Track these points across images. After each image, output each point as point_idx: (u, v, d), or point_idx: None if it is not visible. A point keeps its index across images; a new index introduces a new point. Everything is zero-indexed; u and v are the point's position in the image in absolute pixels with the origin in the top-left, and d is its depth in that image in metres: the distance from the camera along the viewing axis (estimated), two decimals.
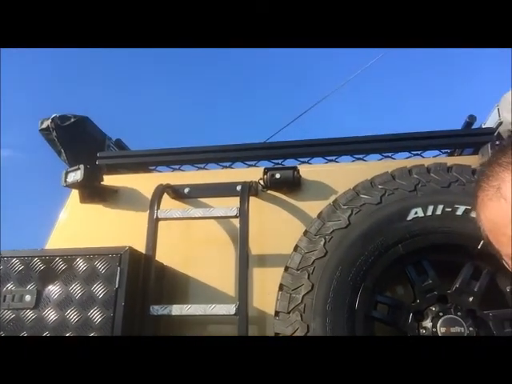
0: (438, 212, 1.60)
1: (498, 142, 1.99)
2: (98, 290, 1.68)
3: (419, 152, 2.22)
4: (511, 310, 1.58)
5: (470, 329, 1.51)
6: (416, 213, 1.61)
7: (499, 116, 2.12)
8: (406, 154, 2.26)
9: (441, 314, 1.56)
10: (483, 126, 2.24)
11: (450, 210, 1.59)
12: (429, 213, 1.60)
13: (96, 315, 1.65)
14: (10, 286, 1.74)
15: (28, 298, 1.71)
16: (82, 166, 2.07)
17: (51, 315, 1.68)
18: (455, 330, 1.52)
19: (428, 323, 1.55)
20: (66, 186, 2.10)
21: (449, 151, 2.36)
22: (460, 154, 2.31)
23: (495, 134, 2.05)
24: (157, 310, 1.72)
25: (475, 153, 2.07)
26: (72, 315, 1.67)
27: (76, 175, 2.07)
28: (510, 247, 0.72)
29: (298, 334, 1.51)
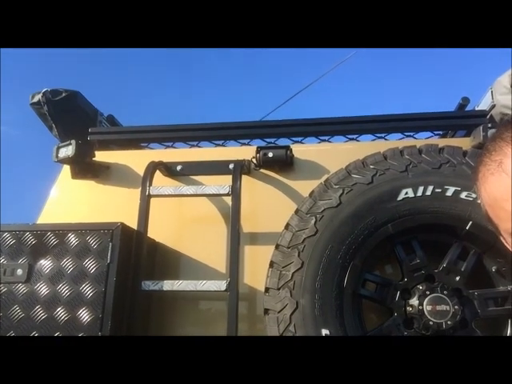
0: (428, 193, 1.62)
1: (490, 125, 2.00)
2: (90, 265, 1.69)
3: (412, 133, 2.23)
4: (496, 289, 1.62)
5: (456, 307, 1.55)
6: (406, 193, 1.62)
7: (492, 99, 2.12)
8: (399, 135, 2.27)
9: (427, 292, 1.59)
10: (476, 109, 2.25)
11: (439, 190, 1.61)
12: (419, 193, 1.62)
13: (88, 290, 1.67)
14: (1, 259, 1.74)
15: (20, 272, 1.72)
16: (73, 142, 2.05)
17: (43, 289, 1.69)
18: (441, 307, 1.55)
19: (415, 301, 1.59)
20: (58, 161, 2.09)
21: (441, 133, 2.37)
22: (453, 136, 2.32)
23: (488, 116, 2.05)
24: (148, 285, 1.73)
25: (467, 135, 2.08)
26: (64, 289, 1.68)
27: (67, 150, 2.05)
28: (509, 222, 0.71)
29: (287, 310, 1.53)
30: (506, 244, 0.82)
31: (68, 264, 1.71)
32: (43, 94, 2.26)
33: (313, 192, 1.70)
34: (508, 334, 1.60)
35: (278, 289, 1.58)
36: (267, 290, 1.60)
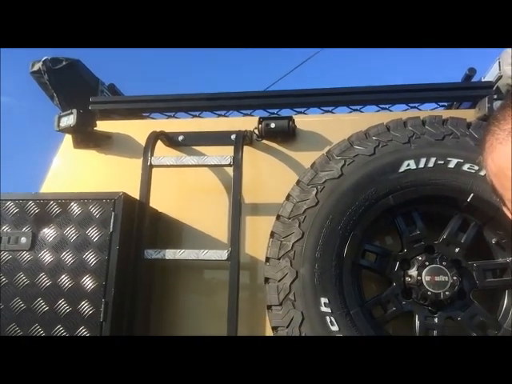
0: (430, 164, 1.61)
1: (496, 96, 1.96)
2: (93, 233, 1.71)
3: (416, 105, 2.20)
4: (494, 261, 1.63)
5: (454, 278, 1.56)
6: (408, 165, 1.62)
7: (499, 70, 2.08)
8: (403, 106, 2.24)
9: (427, 263, 1.60)
10: (483, 80, 2.21)
11: (442, 162, 1.60)
12: (421, 165, 1.61)
13: (91, 258, 1.69)
14: (5, 228, 1.76)
15: (23, 240, 1.74)
16: (74, 111, 2.04)
17: (47, 257, 1.72)
18: (439, 278, 1.57)
19: (414, 272, 1.60)
20: (59, 130, 2.08)
21: (446, 104, 2.34)
22: (458, 108, 2.29)
23: (494, 87, 2.02)
24: (151, 253, 1.76)
25: (473, 107, 2.05)
26: (67, 257, 1.70)
27: (69, 120, 2.04)
28: None
29: (287, 279, 1.56)
30: (509, 215, 0.81)
31: (71, 233, 1.73)
32: (43, 62, 2.23)
33: (314, 163, 1.70)
34: (505, 305, 1.62)
35: (279, 258, 1.59)
36: (268, 259, 1.62)
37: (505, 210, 0.83)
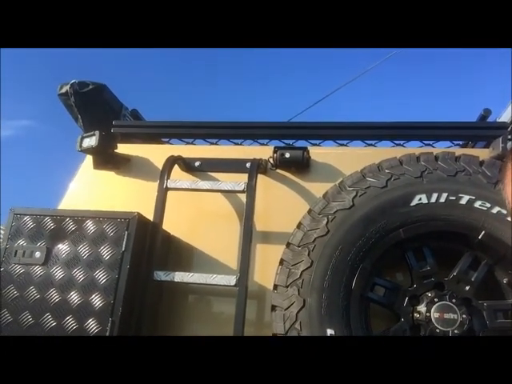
0: (442, 200, 1.61)
1: (510, 137, 1.97)
2: (105, 251, 1.74)
3: (430, 142, 2.22)
4: (506, 301, 1.60)
5: (463, 316, 1.54)
6: (420, 199, 1.62)
7: None
8: (418, 143, 2.26)
9: (436, 299, 1.59)
10: (497, 120, 2.23)
11: (453, 198, 1.61)
12: (433, 200, 1.62)
13: (101, 276, 1.71)
14: (21, 241, 1.80)
15: (38, 254, 1.78)
16: (97, 133, 2.12)
17: (59, 272, 1.75)
18: (448, 316, 1.55)
19: (422, 308, 1.59)
20: (81, 150, 2.15)
21: (460, 143, 2.35)
22: (472, 148, 2.29)
23: (509, 128, 2.03)
24: (160, 275, 1.77)
25: (487, 146, 2.06)
26: (78, 274, 1.73)
27: (91, 141, 2.12)
28: None
29: (294, 307, 1.55)
30: None
31: (84, 250, 1.76)
32: (71, 85, 2.33)
33: (326, 193, 1.72)
34: None
35: (287, 286, 1.59)
36: (276, 287, 1.62)
37: None
